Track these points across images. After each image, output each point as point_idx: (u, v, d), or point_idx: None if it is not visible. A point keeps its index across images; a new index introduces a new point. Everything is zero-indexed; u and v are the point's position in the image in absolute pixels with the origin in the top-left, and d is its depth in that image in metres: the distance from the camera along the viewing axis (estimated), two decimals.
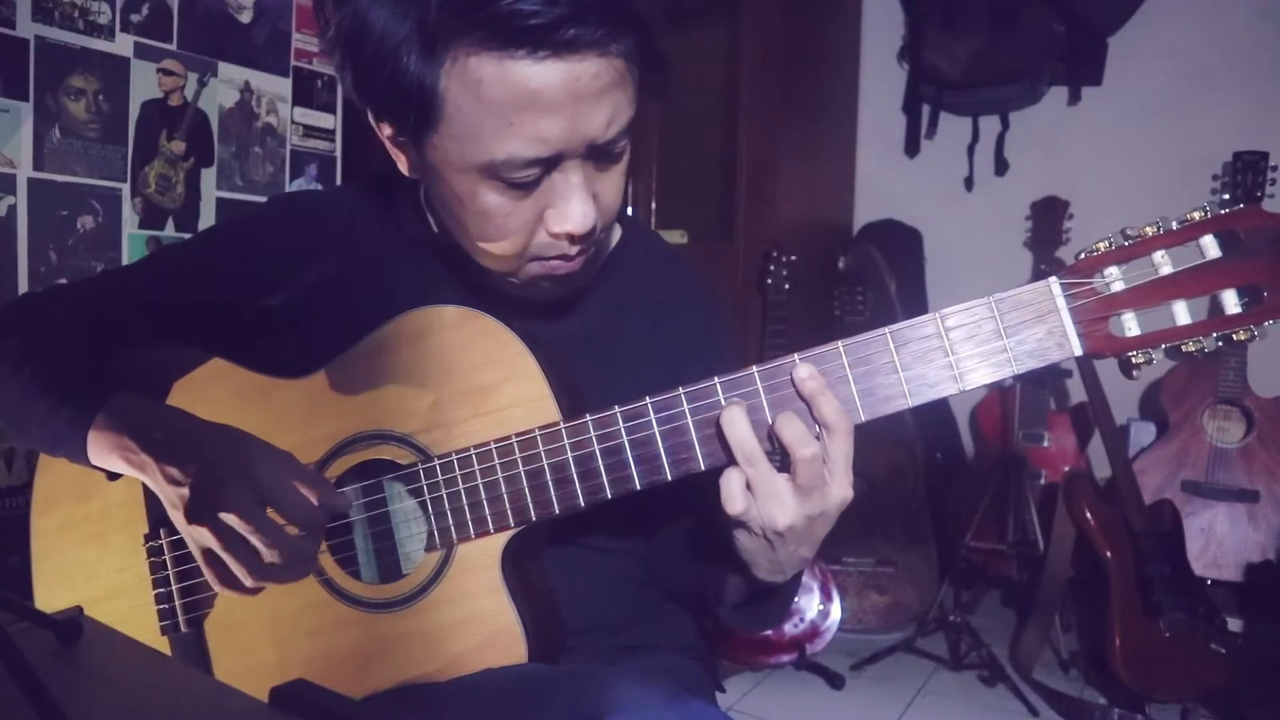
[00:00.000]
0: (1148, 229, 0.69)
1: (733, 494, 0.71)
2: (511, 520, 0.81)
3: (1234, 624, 2.25)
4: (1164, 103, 2.85)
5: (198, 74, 2.03)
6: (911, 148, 3.20)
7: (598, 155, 0.76)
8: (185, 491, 0.80)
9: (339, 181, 2.36)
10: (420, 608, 0.84)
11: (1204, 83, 2.79)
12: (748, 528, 0.74)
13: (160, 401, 0.93)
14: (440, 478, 0.83)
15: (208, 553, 0.83)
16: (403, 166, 0.84)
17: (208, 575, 0.85)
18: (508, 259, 0.82)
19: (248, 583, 0.83)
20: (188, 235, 2.01)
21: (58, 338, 0.94)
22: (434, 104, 0.72)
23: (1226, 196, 2.55)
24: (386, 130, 0.81)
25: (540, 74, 0.69)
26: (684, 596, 1.00)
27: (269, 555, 0.80)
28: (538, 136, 0.72)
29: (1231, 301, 0.69)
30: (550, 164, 0.75)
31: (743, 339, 2.71)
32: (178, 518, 0.83)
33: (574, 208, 0.76)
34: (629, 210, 0.86)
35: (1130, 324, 0.70)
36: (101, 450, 0.85)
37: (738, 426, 0.71)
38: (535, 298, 0.87)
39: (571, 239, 0.79)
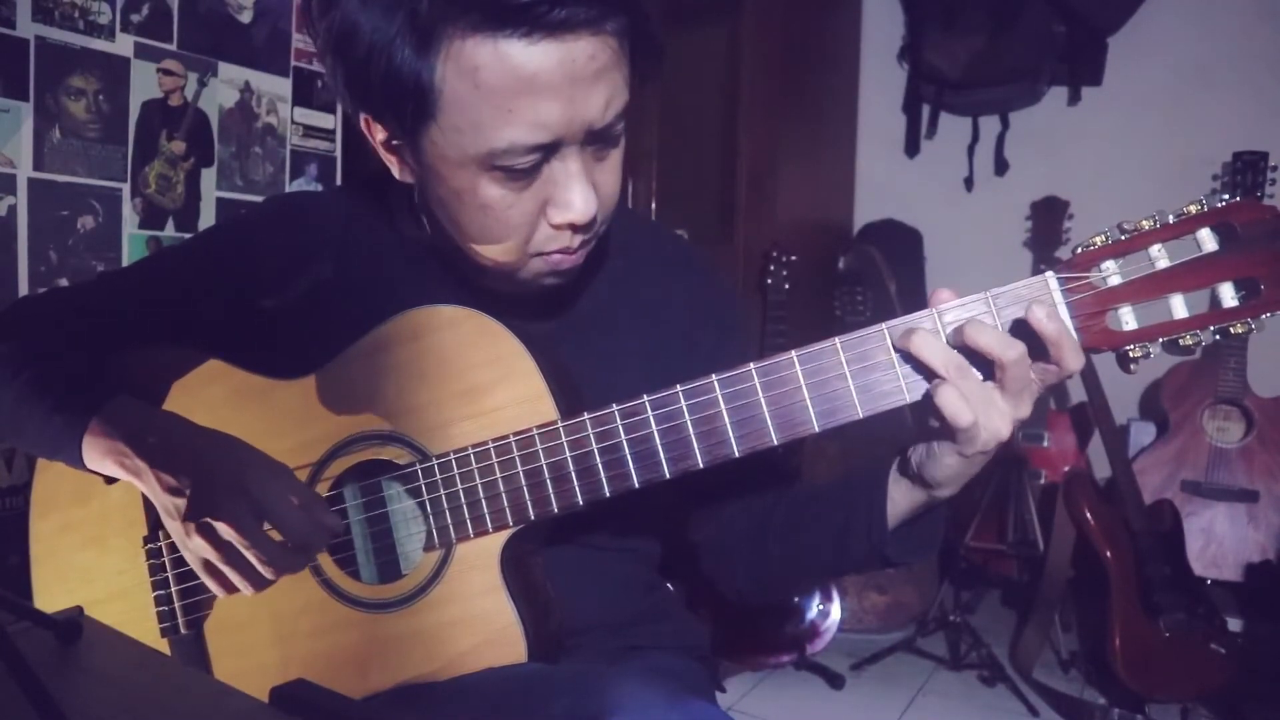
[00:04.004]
0: (1144, 223, 0.69)
1: (959, 408, 0.69)
2: (510, 519, 0.81)
3: (1234, 624, 2.26)
4: (1164, 103, 2.85)
5: (198, 74, 2.03)
6: (911, 148, 3.20)
7: (596, 140, 0.77)
8: (181, 501, 0.81)
9: (339, 181, 2.36)
10: (419, 608, 0.84)
11: (1203, 82, 2.79)
12: (962, 447, 0.72)
13: (156, 407, 0.92)
14: (439, 477, 0.83)
15: (205, 562, 0.84)
16: (397, 171, 0.83)
17: (207, 583, 0.86)
18: (510, 257, 0.82)
19: (246, 592, 0.84)
20: (188, 235, 2.01)
21: (55, 342, 0.94)
22: (431, 96, 0.72)
23: (1226, 197, 2.55)
24: (380, 135, 0.81)
25: (536, 56, 0.69)
26: (789, 569, 0.94)
27: (264, 571, 0.82)
28: (537, 122, 0.72)
29: (1228, 295, 0.68)
30: (550, 150, 0.75)
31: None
32: (174, 527, 0.84)
33: (576, 196, 0.77)
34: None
35: (1127, 318, 0.70)
36: (97, 455, 0.85)
37: (934, 343, 0.70)
38: (534, 292, 0.88)
39: (574, 228, 0.79)
